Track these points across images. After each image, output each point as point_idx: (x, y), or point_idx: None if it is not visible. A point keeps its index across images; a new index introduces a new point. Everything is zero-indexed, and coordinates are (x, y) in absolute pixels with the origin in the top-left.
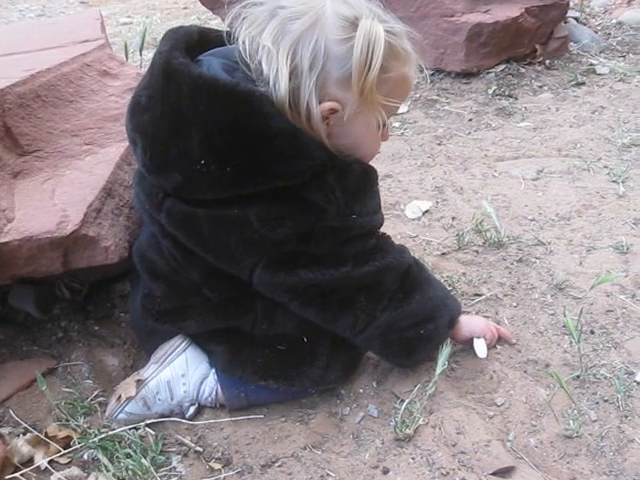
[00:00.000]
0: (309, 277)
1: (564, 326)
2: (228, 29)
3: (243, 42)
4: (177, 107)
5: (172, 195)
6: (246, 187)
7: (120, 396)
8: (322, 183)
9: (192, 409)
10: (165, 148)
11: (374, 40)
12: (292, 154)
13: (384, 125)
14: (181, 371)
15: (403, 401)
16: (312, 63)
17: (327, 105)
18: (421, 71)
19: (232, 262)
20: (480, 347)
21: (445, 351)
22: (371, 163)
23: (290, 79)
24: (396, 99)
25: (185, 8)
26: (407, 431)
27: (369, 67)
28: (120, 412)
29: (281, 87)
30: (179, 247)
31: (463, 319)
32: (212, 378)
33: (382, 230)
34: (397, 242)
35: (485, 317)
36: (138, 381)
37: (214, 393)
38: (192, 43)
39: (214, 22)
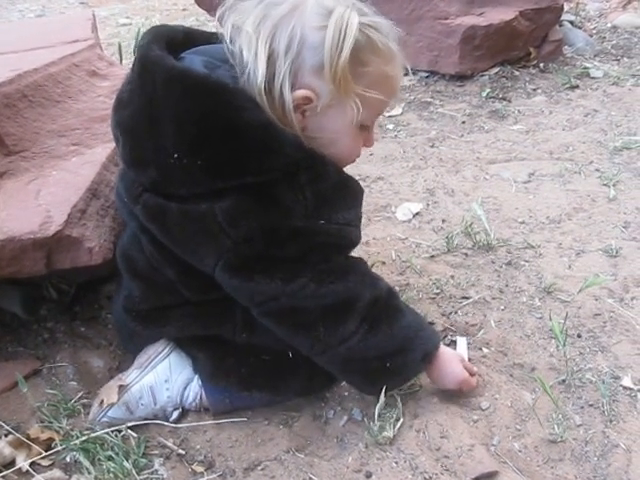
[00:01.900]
0: (263, 287)
1: (551, 330)
2: (220, 29)
3: (227, 29)
4: (152, 100)
5: (149, 190)
6: (217, 182)
7: (102, 401)
8: (293, 182)
9: (175, 413)
10: (142, 142)
11: (345, 26)
12: (263, 149)
13: (367, 128)
14: (164, 376)
15: (387, 405)
16: (287, 48)
17: (301, 93)
18: (406, 74)
19: (197, 258)
20: (462, 347)
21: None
22: (363, 164)
23: (267, 65)
24: (379, 97)
25: (184, 10)
26: (390, 435)
27: (339, 53)
28: (103, 417)
29: (258, 72)
30: (155, 243)
31: (442, 357)
32: (196, 383)
33: (372, 235)
34: (387, 244)
35: (472, 325)
36: (120, 386)
37: (198, 398)
38: (176, 41)
39: (212, 24)
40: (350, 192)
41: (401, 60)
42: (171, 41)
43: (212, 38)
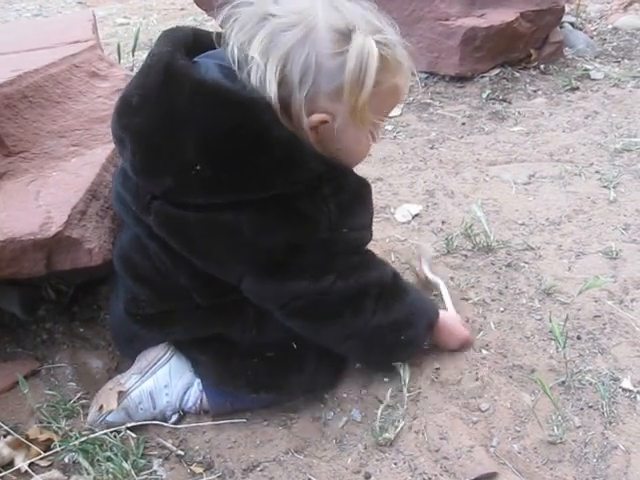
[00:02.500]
0: (296, 288)
1: (551, 331)
2: (220, 30)
3: (232, 50)
4: (174, 110)
5: (160, 198)
6: (241, 194)
7: (102, 406)
8: (316, 194)
9: (174, 417)
10: (157, 151)
11: (367, 58)
12: (289, 164)
13: (372, 134)
14: (164, 382)
15: (387, 406)
16: (302, 77)
17: (317, 117)
18: (413, 75)
19: (221, 268)
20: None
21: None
22: (362, 166)
23: (278, 90)
24: (387, 108)
25: (182, 9)
26: (390, 436)
27: (362, 85)
28: (101, 422)
29: (272, 97)
30: (167, 250)
31: (443, 322)
32: (196, 388)
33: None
34: (386, 245)
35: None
36: (120, 392)
37: (198, 402)
38: (189, 45)
39: (210, 23)
40: (366, 198)
41: (408, 66)
42: (185, 45)
43: (214, 39)
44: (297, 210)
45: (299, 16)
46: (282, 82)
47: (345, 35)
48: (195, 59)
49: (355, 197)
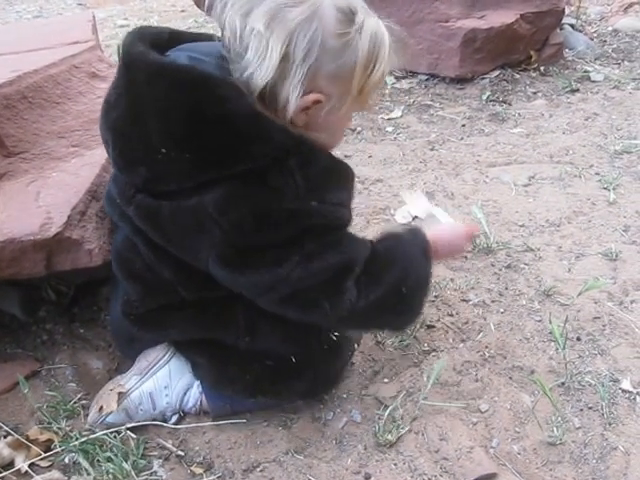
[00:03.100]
0: (256, 279)
1: (550, 333)
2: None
3: (232, 21)
4: (136, 97)
5: (142, 190)
6: (206, 173)
7: (102, 407)
8: (283, 167)
9: (174, 418)
10: (130, 142)
11: (380, 41)
12: (252, 137)
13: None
14: (164, 383)
15: (387, 407)
16: (306, 54)
17: (312, 97)
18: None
19: (191, 254)
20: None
21: (440, 363)
22: (362, 167)
23: (278, 67)
24: (376, 93)
25: (182, 11)
26: (390, 437)
27: (373, 67)
28: (101, 423)
29: (265, 72)
30: (150, 243)
31: (437, 240)
32: (196, 389)
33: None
34: None
35: (471, 328)
36: (120, 394)
37: (198, 403)
38: (161, 41)
39: (211, 25)
40: (341, 173)
41: (393, 57)
42: (156, 40)
43: (199, 37)
44: (263, 182)
45: None
46: (284, 58)
47: (348, 16)
48: (167, 53)
49: (326, 172)
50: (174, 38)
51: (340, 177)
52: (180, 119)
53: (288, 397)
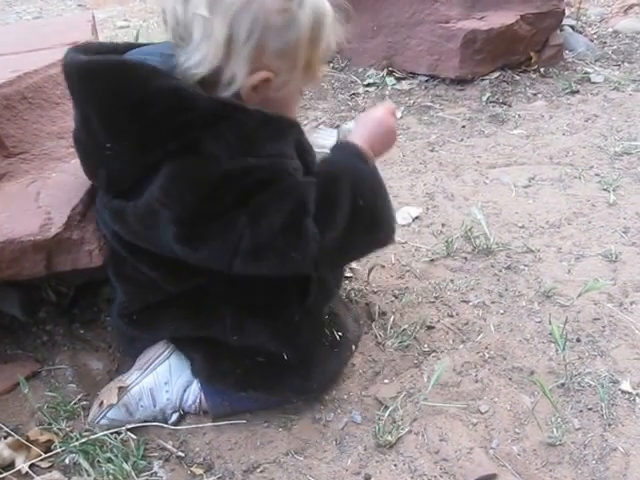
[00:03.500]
0: (213, 247)
1: (550, 334)
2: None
3: (173, 8)
4: (79, 101)
5: (110, 193)
6: (147, 156)
7: (102, 402)
8: (215, 132)
9: (175, 416)
10: (86, 147)
11: (321, 13)
12: (176, 111)
13: (302, 92)
14: (164, 379)
15: (387, 408)
16: (250, 33)
17: (261, 75)
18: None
19: (156, 244)
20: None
21: (442, 365)
22: None
23: (224, 49)
24: (323, 65)
25: None
26: (390, 438)
27: (318, 40)
28: (102, 418)
29: (211, 58)
30: (126, 244)
31: (365, 140)
32: (196, 386)
33: None
34: (386, 248)
35: (471, 329)
36: (120, 388)
37: (198, 400)
38: (109, 50)
39: None
40: (277, 126)
41: (338, 26)
42: (102, 49)
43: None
44: (199, 153)
45: None
46: (229, 40)
47: None
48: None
49: (260, 127)
50: (128, 47)
51: (276, 129)
52: (110, 109)
53: (281, 393)
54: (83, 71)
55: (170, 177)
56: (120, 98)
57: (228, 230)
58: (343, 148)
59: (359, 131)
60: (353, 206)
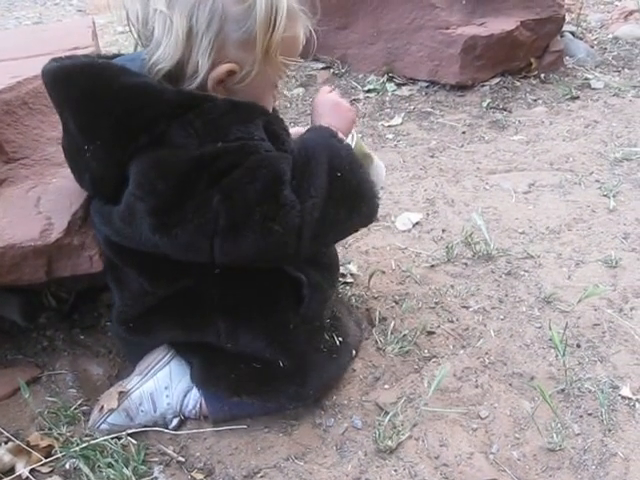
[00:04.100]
0: (189, 232)
1: (550, 339)
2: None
3: (134, 7)
4: (58, 107)
5: (104, 201)
6: (120, 154)
7: (102, 407)
8: (182, 121)
9: (175, 421)
10: (71, 154)
11: (276, 0)
12: (143, 104)
13: (276, 86)
14: (165, 383)
15: (387, 413)
16: (209, 25)
17: (225, 67)
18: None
19: (140, 241)
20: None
21: (443, 371)
22: None
23: (185, 42)
24: (291, 58)
25: None
26: (390, 443)
27: (273, 27)
28: (102, 423)
29: (172, 51)
30: (114, 249)
31: (331, 123)
32: (196, 391)
33: (372, 244)
34: (387, 253)
35: (471, 334)
36: (121, 392)
37: (198, 405)
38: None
39: None
40: (245, 110)
41: (304, 17)
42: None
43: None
44: (168, 144)
45: None
46: (189, 32)
47: None
48: None
49: (228, 113)
50: (117, 56)
51: (244, 113)
52: (81, 109)
53: (276, 399)
54: (55, 75)
55: (141, 169)
56: (89, 97)
57: (203, 210)
58: (316, 130)
59: (324, 119)
60: (331, 176)
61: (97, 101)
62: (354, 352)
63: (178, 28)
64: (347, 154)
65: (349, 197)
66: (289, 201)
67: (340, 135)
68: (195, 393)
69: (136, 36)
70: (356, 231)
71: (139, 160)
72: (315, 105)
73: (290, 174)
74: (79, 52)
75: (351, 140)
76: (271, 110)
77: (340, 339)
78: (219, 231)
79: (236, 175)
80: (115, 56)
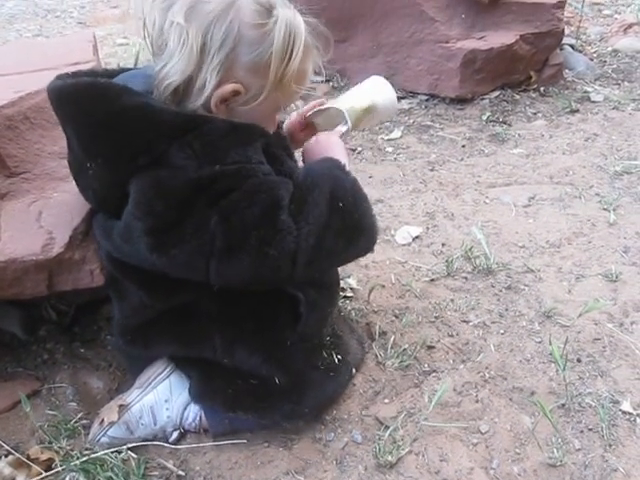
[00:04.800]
0: (186, 252)
1: (551, 354)
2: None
3: (152, 16)
4: (61, 124)
5: (107, 215)
6: (121, 174)
7: (103, 420)
8: (181, 143)
9: (175, 434)
10: (75, 170)
11: (295, 30)
12: (143, 126)
13: (279, 111)
14: (165, 396)
15: (387, 427)
16: (222, 43)
17: (230, 87)
18: (319, 69)
19: (138, 258)
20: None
21: (444, 386)
22: (363, 187)
23: (198, 57)
24: (300, 88)
25: None
26: (390, 458)
27: (290, 56)
28: (103, 436)
29: (184, 65)
30: (115, 263)
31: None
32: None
33: (371, 258)
34: (386, 267)
35: (471, 349)
36: (121, 406)
37: (198, 419)
38: (94, 75)
39: None
40: (244, 132)
41: (316, 52)
42: (90, 75)
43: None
44: (168, 165)
45: None
46: (202, 48)
47: (267, 9)
48: None
49: (226, 135)
50: (121, 71)
51: (242, 136)
52: (83, 128)
53: (271, 416)
54: (58, 94)
55: (141, 189)
56: (91, 118)
57: (200, 231)
58: (323, 160)
59: (329, 154)
60: (332, 206)
61: (98, 122)
62: (354, 371)
63: (193, 43)
64: (352, 186)
65: (349, 229)
66: (286, 226)
67: (347, 168)
68: (195, 406)
69: (150, 45)
70: (351, 261)
71: (139, 179)
72: (307, 150)
73: (288, 199)
74: (81, 67)
75: (345, 117)
76: (273, 130)
77: (339, 357)
78: (215, 252)
79: (235, 198)
80: (119, 71)
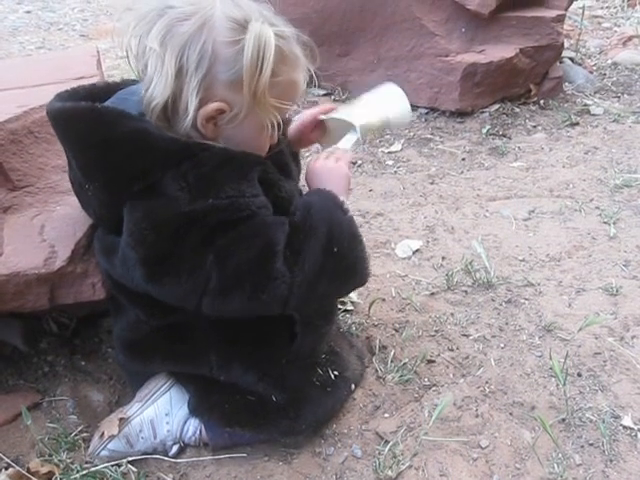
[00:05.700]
0: (179, 286)
1: (551, 368)
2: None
3: (131, 43)
4: (62, 145)
5: (114, 232)
6: (116, 198)
7: (103, 433)
8: (177, 174)
9: (175, 448)
10: (76, 188)
11: (264, 44)
12: (139, 153)
13: (273, 127)
14: (165, 410)
15: (387, 442)
16: (198, 64)
17: (213, 106)
18: (310, 77)
19: (131, 281)
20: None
21: (445, 400)
22: (362, 201)
23: (175, 81)
24: (286, 102)
25: None
26: (390, 473)
27: (260, 70)
28: (103, 449)
29: (163, 88)
30: (111, 279)
31: (339, 191)
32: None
33: (372, 271)
34: (386, 281)
35: (471, 363)
36: (121, 419)
37: (198, 432)
38: (95, 92)
39: None
40: (238, 164)
41: (304, 63)
42: (89, 93)
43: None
44: (161, 194)
45: (196, 7)
46: (179, 71)
47: (241, 25)
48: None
49: (221, 167)
50: (121, 85)
51: (237, 168)
52: (81, 152)
53: (267, 432)
54: (57, 117)
55: (134, 218)
56: (88, 142)
57: (196, 270)
58: (322, 195)
59: (329, 182)
60: (326, 250)
61: (95, 146)
62: (353, 386)
63: (168, 67)
64: (348, 227)
65: (342, 273)
66: (280, 275)
67: (345, 205)
68: (195, 420)
69: (134, 69)
70: (342, 297)
71: (132, 207)
72: (311, 172)
73: (284, 243)
74: (85, 81)
75: (357, 133)
76: (267, 148)
77: (335, 373)
78: (208, 292)
79: (231, 238)
80: (120, 85)
